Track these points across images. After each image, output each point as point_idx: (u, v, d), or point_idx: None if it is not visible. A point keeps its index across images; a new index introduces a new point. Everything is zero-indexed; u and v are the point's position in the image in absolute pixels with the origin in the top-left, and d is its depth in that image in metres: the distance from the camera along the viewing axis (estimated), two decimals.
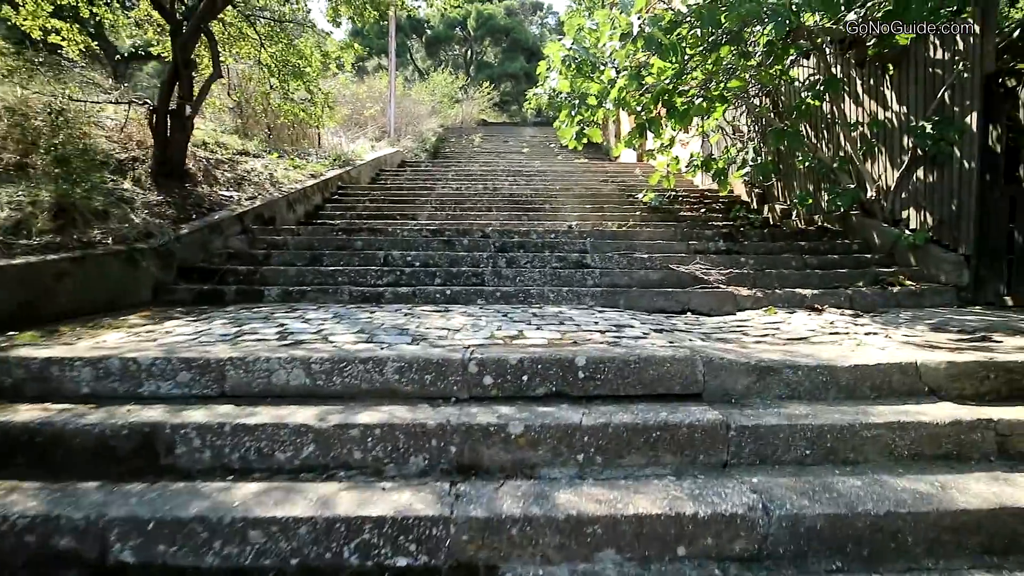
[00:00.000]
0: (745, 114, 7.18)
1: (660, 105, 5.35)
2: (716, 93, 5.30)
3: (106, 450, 1.97)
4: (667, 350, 2.26)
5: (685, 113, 5.20)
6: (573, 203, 7.16)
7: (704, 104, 5.28)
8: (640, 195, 7.10)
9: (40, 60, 6.37)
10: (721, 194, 7.31)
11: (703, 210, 6.91)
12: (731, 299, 4.03)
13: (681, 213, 6.75)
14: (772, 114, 6.07)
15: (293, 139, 9.90)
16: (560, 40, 6.28)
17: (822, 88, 4.77)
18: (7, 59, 5.91)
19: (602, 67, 5.94)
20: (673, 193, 7.35)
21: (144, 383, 2.24)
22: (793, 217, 6.03)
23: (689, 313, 3.94)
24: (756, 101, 6.49)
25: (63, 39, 6.47)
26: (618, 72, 5.50)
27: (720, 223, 6.26)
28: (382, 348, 2.33)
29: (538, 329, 2.97)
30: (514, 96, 25.79)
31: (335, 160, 8.56)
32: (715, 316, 3.88)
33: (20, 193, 4.05)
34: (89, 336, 2.87)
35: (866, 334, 2.92)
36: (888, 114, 4.81)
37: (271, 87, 7.11)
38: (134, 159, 5.71)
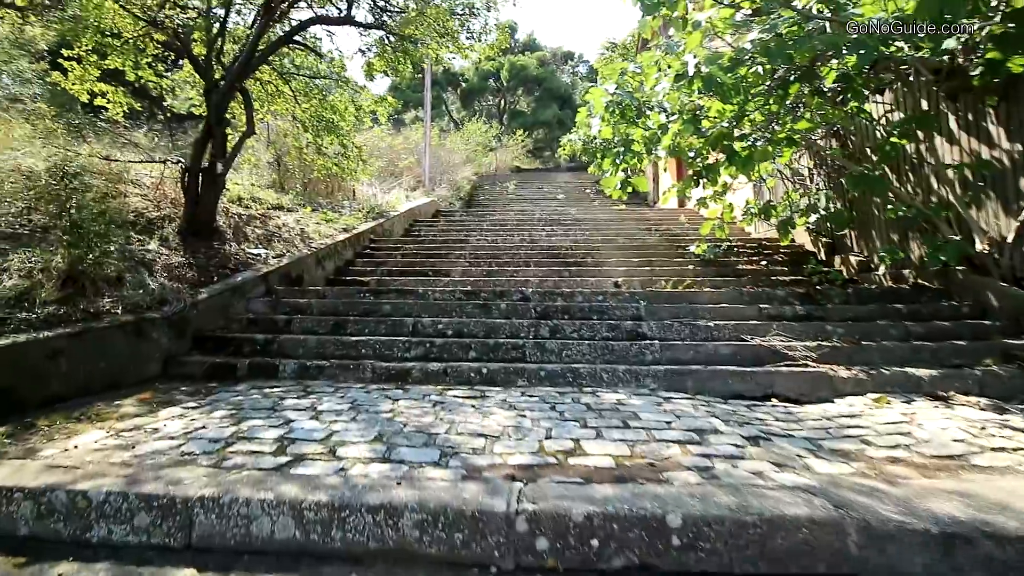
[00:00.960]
0: (806, 156, 6.54)
1: (718, 150, 4.79)
2: (782, 135, 4.70)
3: None
4: (797, 503, 1.58)
5: (748, 159, 4.60)
6: (617, 256, 6.57)
7: (770, 148, 4.68)
8: (692, 247, 6.45)
9: (79, 122, 6.38)
10: (782, 244, 6.58)
11: (764, 263, 6.19)
12: (826, 381, 3.28)
13: (739, 267, 6.05)
14: (844, 156, 5.40)
15: (329, 191, 9.79)
16: (601, 85, 5.86)
17: (913, 125, 4.10)
18: (47, 121, 5.91)
19: (647, 111, 5.46)
20: (727, 244, 6.67)
21: (94, 526, 1.71)
22: (877, 271, 5.24)
23: (774, 400, 3.21)
24: (821, 143, 5.86)
25: (108, 101, 6.50)
26: (668, 117, 4.99)
27: (786, 279, 5.52)
28: (398, 483, 1.73)
29: (597, 436, 2.33)
30: (547, 143, 25.85)
31: (368, 212, 8.30)
32: (808, 404, 3.14)
33: (35, 258, 3.77)
34: (63, 437, 2.40)
35: None
36: (996, 153, 4.09)
37: (305, 142, 6.94)
38: (165, 218, 5.50)
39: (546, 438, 2.30)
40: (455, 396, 3.05)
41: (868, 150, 5.48)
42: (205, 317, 4.04)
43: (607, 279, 5.57)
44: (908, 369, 3.34)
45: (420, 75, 11.69)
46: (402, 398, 2.98)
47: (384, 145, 11.88)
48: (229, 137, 5.99)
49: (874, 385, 3.26)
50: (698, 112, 4.60)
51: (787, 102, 4.55)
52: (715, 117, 4.51)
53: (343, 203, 8.79)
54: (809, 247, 6.63)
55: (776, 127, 4.67)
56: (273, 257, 5.58)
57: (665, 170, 12.66)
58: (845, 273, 5.61)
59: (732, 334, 3.87)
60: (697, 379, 3.31)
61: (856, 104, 4.64)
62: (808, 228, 6.21)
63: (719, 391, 3.27)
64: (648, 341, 3.76)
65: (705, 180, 4.88)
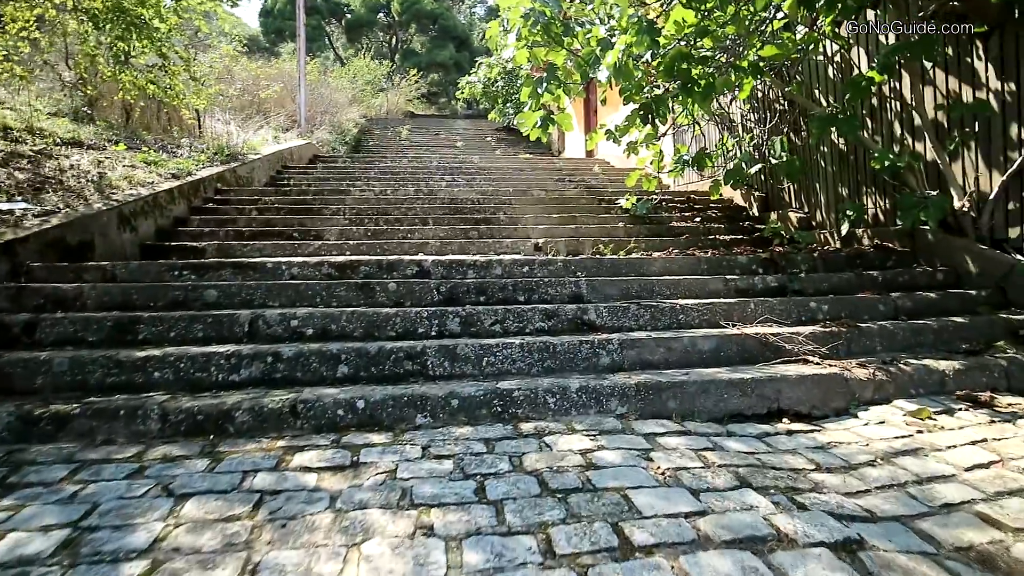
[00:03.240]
0: (743, 98, 5.66)
1: (670, 78, 3.63)
2: (744, 63, 3.65)
3: None
4: None
5: (708, 89, 3.50)
6: (534, 211, 5.33)
7: (732, 77, 3.61)
8: (621, 200, 5.40)
9: None
10: (712, 198, 5.77)
11: (698, 219, 5.32)
12: (839, 385, 2.35)
13: (672, 224, 5.12)
14: (793, 96, 4.54)
15: (164, 127, 7.33)
16: None
17: (906, 54, 3.21)
18: None
19: (578, 28, 4.14)
20: (656, 197, 5.72)
21: None
22: (823, 230, 4.55)
23: (785, 420, 2.23)
24: (768, 79, 4.96)
25: None
26: (612, 31, 3.71)
27: (727, 238, 4.68)
28: None
29: None
30: (443, 87, 23.55)
31: (217, 154, 6.17)
32: (827, 422, 2.20)
33: None
34: None
35: None
36: (980, 94, 3.36)
37: (96, 43, 4.66)
38: None
39: None
40: (302, 471, 1.65)
41: (816, 91, 4.67)
42: None
43: (525, 240, 4.33)
44: (927, 361, 2.53)
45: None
46: (195, 491, 1.52)
47: (240, 69, 9.24)
48: None
49: (896, 388, 2.40)
50: (653, 23, 3.36)
51: (759, 15, 3.47)
52: (677, 31, 3.31)
53: (180, 142, 6.51)
54: (739, 201, 5.89)
55: (742, 51, 3.59)
56: (36, 215, 3.56)
57: (559, 111, 11.48)
58: (783, 232, 4.88)
59: (704, 318, 2.83)
60: (681, 396, 2.21)
61: (831, 26, 3.69)
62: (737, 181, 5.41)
63: (712, 411, 2.21)
64: (600, 334, 2.60)
65: (656, 117, 3.71)
